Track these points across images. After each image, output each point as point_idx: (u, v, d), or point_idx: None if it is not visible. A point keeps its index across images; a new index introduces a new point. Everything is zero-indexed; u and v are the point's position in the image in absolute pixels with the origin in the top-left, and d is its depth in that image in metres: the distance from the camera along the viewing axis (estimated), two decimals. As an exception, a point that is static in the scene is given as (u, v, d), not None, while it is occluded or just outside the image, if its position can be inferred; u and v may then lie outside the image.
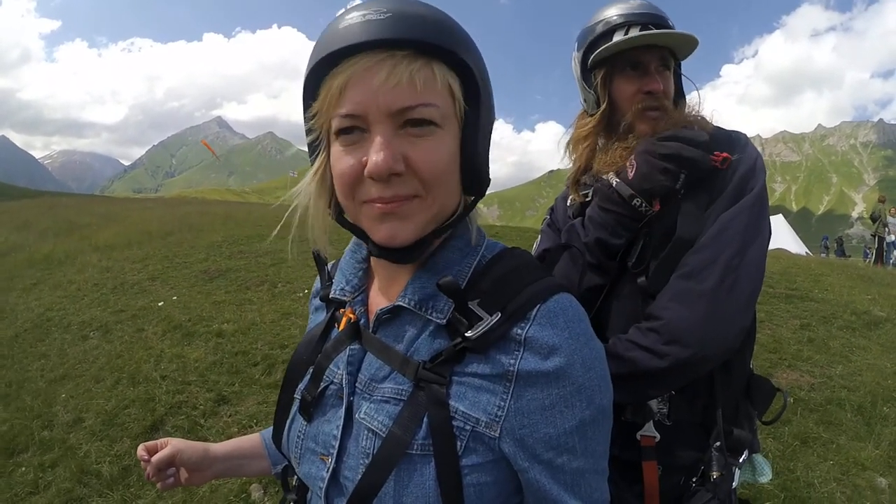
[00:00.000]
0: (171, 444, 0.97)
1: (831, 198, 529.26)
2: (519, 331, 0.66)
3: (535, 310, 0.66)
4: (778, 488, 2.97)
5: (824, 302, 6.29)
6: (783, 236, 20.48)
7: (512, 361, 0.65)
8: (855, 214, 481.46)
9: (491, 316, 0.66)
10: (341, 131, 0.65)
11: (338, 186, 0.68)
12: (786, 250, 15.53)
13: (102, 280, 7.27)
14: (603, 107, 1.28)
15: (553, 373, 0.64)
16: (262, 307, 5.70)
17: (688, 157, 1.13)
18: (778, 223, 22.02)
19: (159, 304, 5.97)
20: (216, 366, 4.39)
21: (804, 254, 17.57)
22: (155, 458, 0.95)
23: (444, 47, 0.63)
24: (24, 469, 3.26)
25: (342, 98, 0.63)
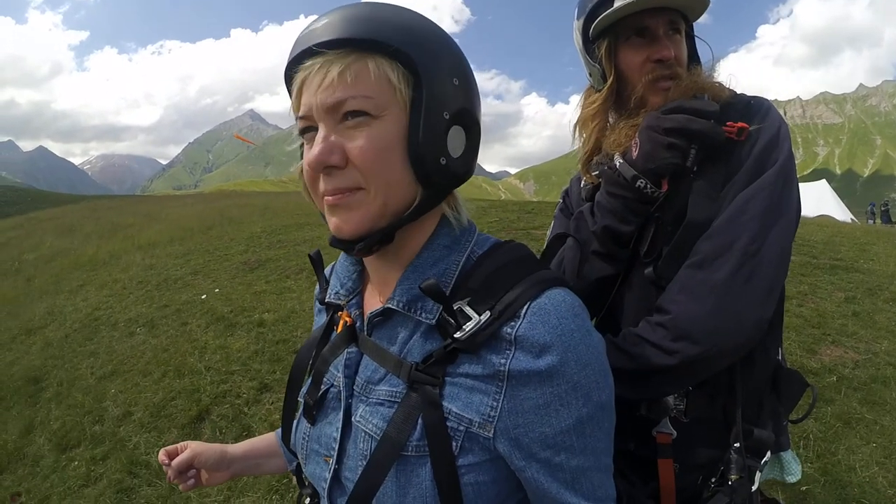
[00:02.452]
0: (189, 448, 1.01)
1: (876, 160, 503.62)
2: (509, 330, 0.64)
3: (526, 307, 0.64)
4: (818, 472, 2.88)
5: (870, 273, 6.02)
6: (827, 203, 19.74)
7: (503, 361, 0.64)
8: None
9: (480, 315, 0.65)
10: (302, 131, 0.70)
11: (304, 183, 0.73)
12: (831, 217, 14.97)
13: (146, 277, 7.51)
14: (610, 81, 1.15)
15: (546, 371, 0.63)
16: (302, 295, 5.76)
17: (696, 129, 1.01)
18: (822, 189, 21.22)
19: (202, 297, 6.13)
20: (258, 355, 4.48)
21: (849, 220, 16.91)
22: (175, 461, 0.99)
23: (373, 39, 0.64)
24: (76, 463, 3.44)
25: (298, 103, 0.69)
